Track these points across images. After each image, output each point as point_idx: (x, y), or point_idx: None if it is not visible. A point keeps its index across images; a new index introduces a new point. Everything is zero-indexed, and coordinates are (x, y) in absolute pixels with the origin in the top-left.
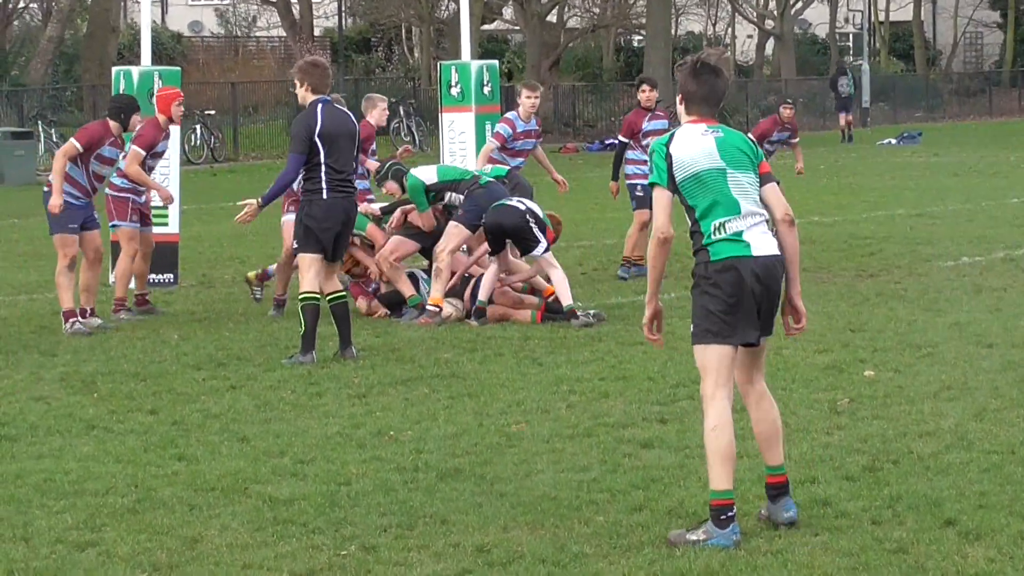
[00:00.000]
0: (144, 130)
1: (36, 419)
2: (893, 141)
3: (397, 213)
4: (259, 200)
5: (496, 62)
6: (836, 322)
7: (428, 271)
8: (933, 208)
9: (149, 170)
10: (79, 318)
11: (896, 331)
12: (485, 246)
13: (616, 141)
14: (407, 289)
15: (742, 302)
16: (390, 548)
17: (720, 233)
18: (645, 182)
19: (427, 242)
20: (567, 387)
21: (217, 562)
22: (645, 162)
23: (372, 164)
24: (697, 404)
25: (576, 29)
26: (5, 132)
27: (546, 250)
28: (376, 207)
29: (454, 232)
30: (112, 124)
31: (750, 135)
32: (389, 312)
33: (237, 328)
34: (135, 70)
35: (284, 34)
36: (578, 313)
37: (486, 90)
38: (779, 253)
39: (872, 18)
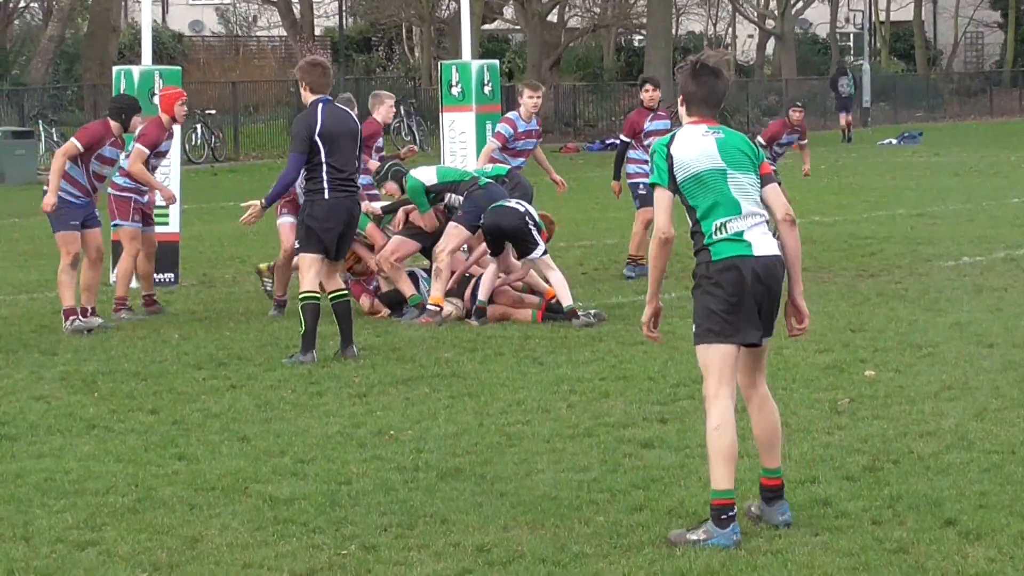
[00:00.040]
0: (148, 129)
1: (36, 418)
2: (894, 141)
3: (400, 213)
4: (262, 201)
5: (497, 62)
6: (837, 322)
7: (429, 271)
8: (934, 208)
9: (152, 169)
10: (79, 316)
11: (897, 331)
12: (485, 245)
13: (617, 141)
14: (408, 289)
15: (743, 301)
16: (390, 547)
17: (721, 233)
18: (646, 180)
19: (428, 242)
20: (568, 387)
21: (217, 561)
22: (647, 161)
23: (373, 164)
24: (698, 404)
25: (577, 29)
26: (6, 131)
27: (544, 252)
28: (377, 206)
29: (453, 233)
30: (113, 124)
31: (760, 138)
32: (390, 312)
33: (238, 328)
34: (136, 69)
35: (285, 33)
36: (579, 313)
37: (487, 90)
38: (779, 254)
39: (873, 18)
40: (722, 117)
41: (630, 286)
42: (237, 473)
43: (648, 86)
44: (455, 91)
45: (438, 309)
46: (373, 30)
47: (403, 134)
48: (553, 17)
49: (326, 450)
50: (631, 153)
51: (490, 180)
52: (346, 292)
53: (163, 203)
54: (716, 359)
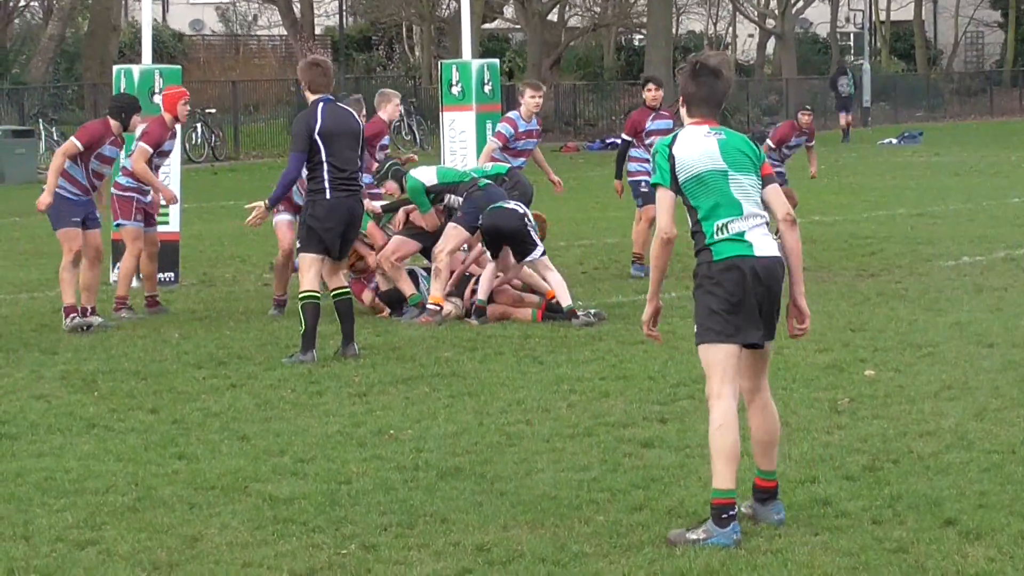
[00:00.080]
0: (151, 128)
1: (37, 417)
2: (894, 141)
3: (400, 214)
4: (266, 202)
5: (497, 61)
6: (837, 321)
7: (429, 270)
8: (934, 208)
9: (155, 169)
10: (79, 314)
11: (897, 331)
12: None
13: (617, 140)
14: (408, 288)
15: (744, 301)
16: (390, 547)
17: (723, 233)
18: (648, 178)
19: (428, 242)
20: (568, 386)
21: (217, 561)
22: (647, 160)
23: (373, 164)
24: (698, 403)
25: (577, 28)
26: (6, 130)
27: (542, 253)
28: (377, 205)
29: (453, 233)
30: (113, 123)
31: (769, 141)
32: (390, 310)
33: (238, 327)
34: (136, 68)
35: (285, 33)
36: (578, 313)
37: (487, 89)
38: (780, 255)
39: (873, 17)
40: (722, 117)
41: (630, 285)
42: (237, 472)
43: (651, 85)
44: (455, 90)
45: (438, 308)
46: (373, 29)
47: (403, 133)
48: (553, 16)
49: (326, 449)
50: (632, 152)
51: (489, 181)
52: (348, 290)
53: (164, 203)
54: (718, 359)
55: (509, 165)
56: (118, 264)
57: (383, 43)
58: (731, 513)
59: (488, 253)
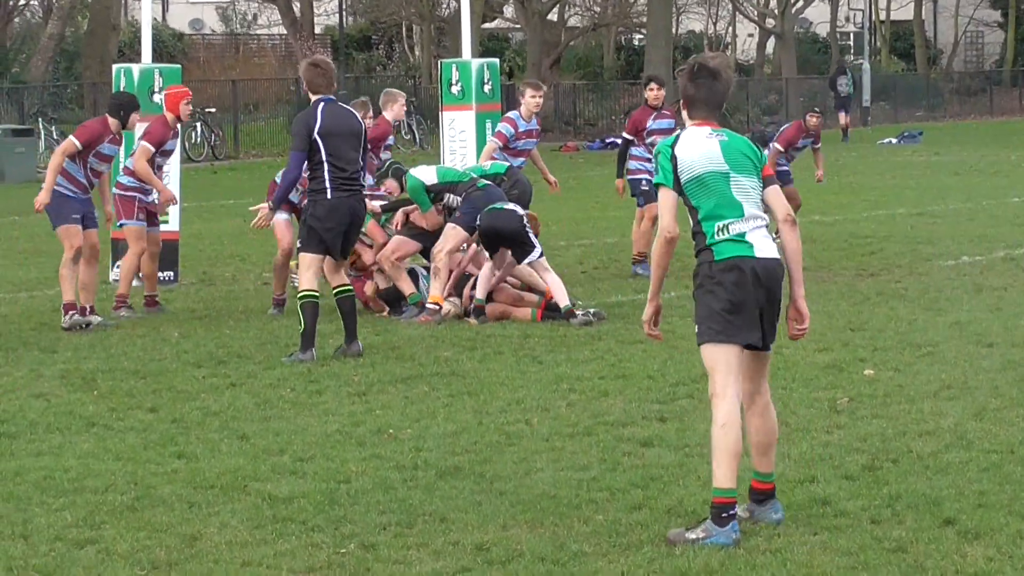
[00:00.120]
0: (153, 127)
1: (36, 416)
2: (894, 140)
3: (399, 214)
4: (270, 204)
5: (497, 60)
6: (836, 321)
7: (429, 269)
8: (934, 207)
9: (158, 168)
10: (78, 312)
11: (896, 330)
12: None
13: (617, 140)
14: (407, 287)
15: (745, 301)
16: (389, 546)
17: (723, 234)
18: (648, 177)
19: (428, 242)
20: (567, 385)
21: (216, 560)
22: (648, 159)
23: (373, 163)
24: (697, 403)
25: (577, 27)
26: (5, 129)
27: (541, 254)
28: (377, 204)
29: (452, 234)
30: (111, 121)
31: (777, 144)
32: (389, 309)
33: (237, 326)
34: (136, 68)
35: (285, 32)
36: (577, 312)
37: (486, 88)
38: (779, 257)
39: (873, 17)
40: (722, 117)
41: (630, 285)
42: (236, 471)
43: (653, 85)
44: (455, 90)
45: (437, 308)
46: (373, 28)
47: (403, 132)
48: (553, 16)
49: (325, 448)
50: (633, 150)
51: (488, 182)
52: (350, 288)
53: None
54: (721, 358)
55: (508, 164)
56: (118, 263)
57: (383, 42)
58: (731, 512)
59: (485, 252)
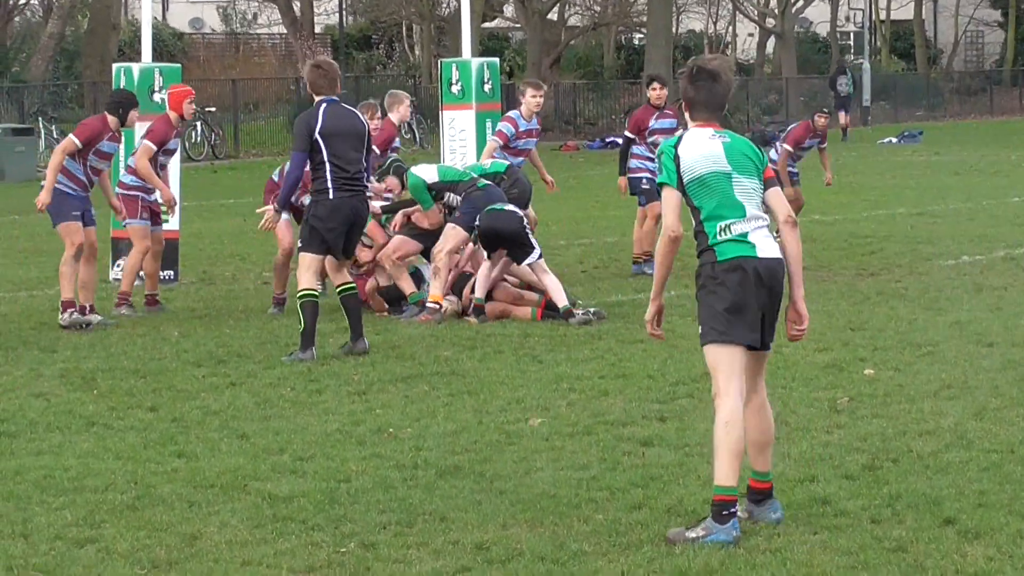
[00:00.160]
0: (156, 126)
1: (36, 415)
2: (894, 140)
3: (399, 216)
4: (275, 205)
5: (497, 60)
6: (836, 320)
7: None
8: (934, 207)
9: (161, 167)
10: (76, 309)
11: (896, 330)
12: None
13: (617, 139)
14: (408, 286)
15: (748, 302)
16: (389, 545)
17: (726, 234)
18: (650, 176)
19: (429, 243)
20: (567, 385)
21: (216, 559)
22: (650, 158)
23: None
24: (697, 402)
25: (577, 27)
26: (6, 128)
27: (539, 256)
28: (378, 205)
29: (451, 233)
30: (111, 119)
31: (786, 144)
32: (389, 308)
33: (237, 325)
34: (136, 67)
35: (285, 31)
36: (575, 311)
37: (487, 88)
38: (781, 256)
39: (873, 17)
40: (723, 117)
41: (630, 284)
42: (236, 471)
43: (655, 84)
44: (455, 89)
45: (438, 307)
46: (373, 28)
47: (403, 132)
48: (553, 15)
49: (325, 448)
50: (635, 149)
51: (488, 182)
52: (354, 285)
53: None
54: (724, 359)
55: (508, 163)
56: (118, 262)
57: (383, 42)
58: (732, 510)
59: (483, 252)
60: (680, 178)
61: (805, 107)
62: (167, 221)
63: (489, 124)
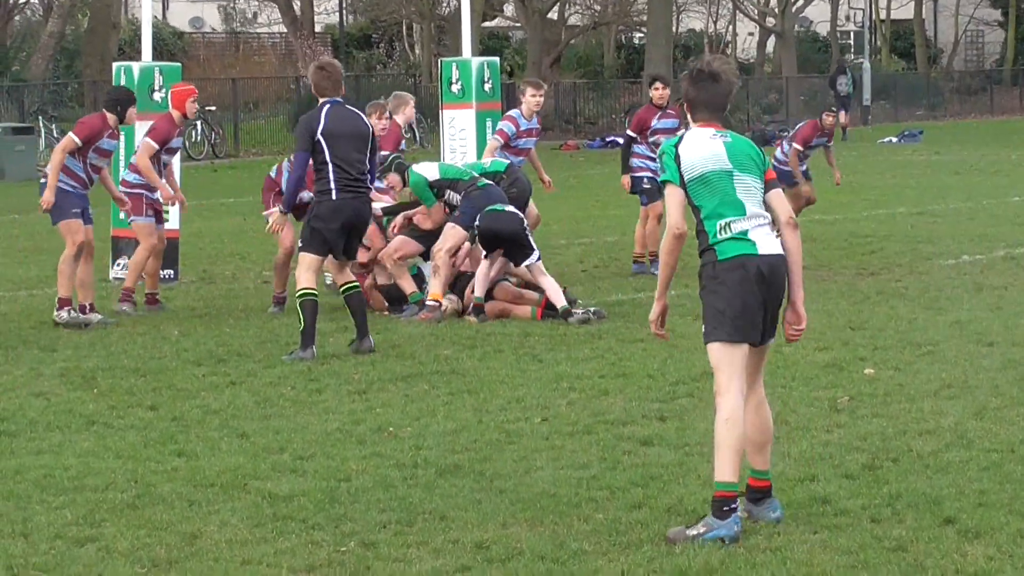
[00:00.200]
0: (158, 124)
1: (36, 415)
2: (894, 139)
3: (400, 218)
4: (280, 207)
5: (497, 59)
6: (836, 320)
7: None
8: (934, 206)
9: (164, 165)
10: (73, 307)
11: (896, 329)
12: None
13: (617, 139)
14: (409, 286)
15: (750, 300)
16: (389, 544)
17: (726, 233)
18: (651, 175)
19: (430, 244)
20: (567, 384)
21: (216, 558)
22: (651, 157)
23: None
24: (697, 401)
25: (577, 26)
26: (6, 127)
27: (538, 258)
28: (378, 207)
29: (451, 233)
30: (109, 117)
31: (796, 144)
32: (389, 307)
33: (237, 324)
34: (136, 66)
35: (285, 30)
36: (573, 310)
37: (487, 87)
38: (783, 253)
39: (873, 16)
40: (725, 118)
41: (630, 283)
42: (236, 470)
43: (658, 84)
44: (455, 88)
45: (437, 305)
46: (373, 27)
47: (404, 131)
48: (554, 14)
49: (325, 447)
50: (636, 148)
51: (489, 182)
52: (357, 284)
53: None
54: (726, 357)
55: (508, 162)
56: (118, 260)
57: (383, 41)
58: (733, 506)
59: (482, 251)
60: (681, 176)
61: (805, 106)
62: (166, 220)
63: (489, 123)
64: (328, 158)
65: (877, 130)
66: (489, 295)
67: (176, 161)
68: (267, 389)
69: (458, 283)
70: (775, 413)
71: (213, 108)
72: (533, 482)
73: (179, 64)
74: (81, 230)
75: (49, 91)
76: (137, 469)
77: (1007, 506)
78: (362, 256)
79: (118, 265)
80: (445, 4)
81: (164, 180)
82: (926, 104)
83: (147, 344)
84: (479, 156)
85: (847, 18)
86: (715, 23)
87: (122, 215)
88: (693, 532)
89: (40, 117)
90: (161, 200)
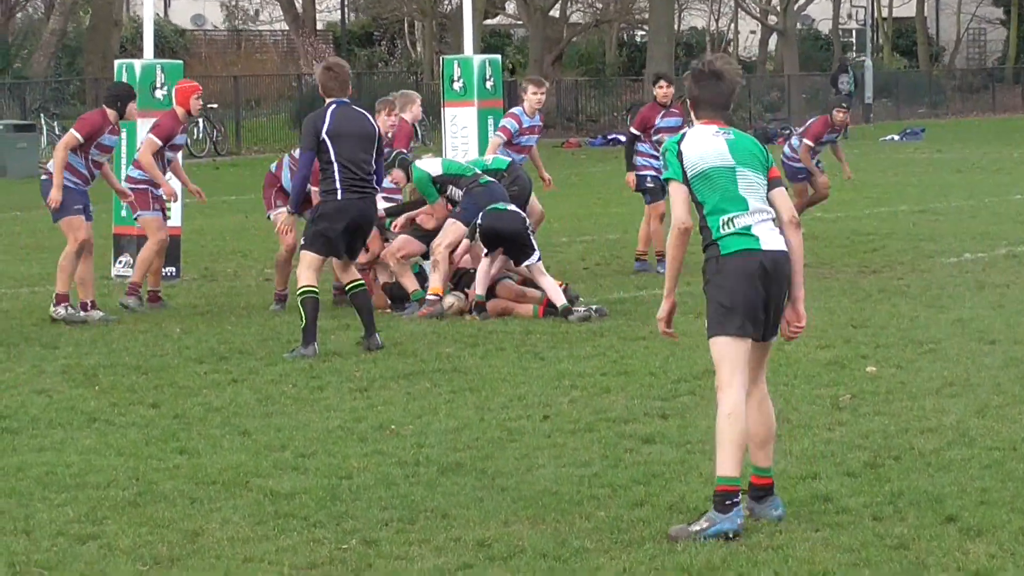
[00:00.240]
0: (162, 121)
1: (38, 412)
2: (896, 137)
3: (402, 219)
4: (288, 208)
5: (499, 57)
6: (838, 318)
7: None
8: (936, 204)
9: (168, 162)
10: (71, 304)
11: (898, 327)
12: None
13: (619, 137)
14: (411, 284)
15: (752, 295)
16: (391, 542)
17: (729, 228)
18: (655, 173)
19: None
20: (569, 382)
21: (218, 555)
22: (655, 156)
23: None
24: (699, 399)
25: (579, 24)
26: (8, 125)
27: (539, 258)
28: (380, 208)
29: (451, 228)
30: (109, 112)
31: (806, 139)
32: (391, 305)
33: (239, 322)
34: (137, 63)
35: (287, 28)
36: (574, 308)
37: (488, 85)
38: (787, 249)
39: (875, 14)
40: (728, 116)
41: (632, 281)
42: (238, 467)
43: (662, 82)
44: (457, 86)
45: (437, 298)
46: (375, 25)
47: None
48: (555, 12)
49: (327, 444)
50: (639, 146)
51: (491, 179)
52: (363, 283)
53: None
54: (729, 351)
55: (510, 160)
56: (120, 258)
57: (385, 39)
58: (735, 500)
59: (483, 248)
60: (684, 173)
61: (807, 104)
62: (168, 217)
63: (491, 121)
64: (333, 158)
65: (879, 128)
66: (492, 293)
67: (178, 158)
68: (269, 387)
69: (462, 281)
70: (776, 411)
71: (215, 105)
72: (535, 480)
73: (181, 61)
74: (83, 227)
75: (51, 88)
76: (139, 466)
77: (1009, 504)
78: (360, 258)
79: (120, 262)
80: (447, 1)
81: (172, 176)
82: (928, 102)
83: (149, 341)
84: (481, 153)
85: (849, 16)
86: (717, 21)
87: (124, 212)
88: (696, 528)
89: (42, 114)
90: (164, 196)
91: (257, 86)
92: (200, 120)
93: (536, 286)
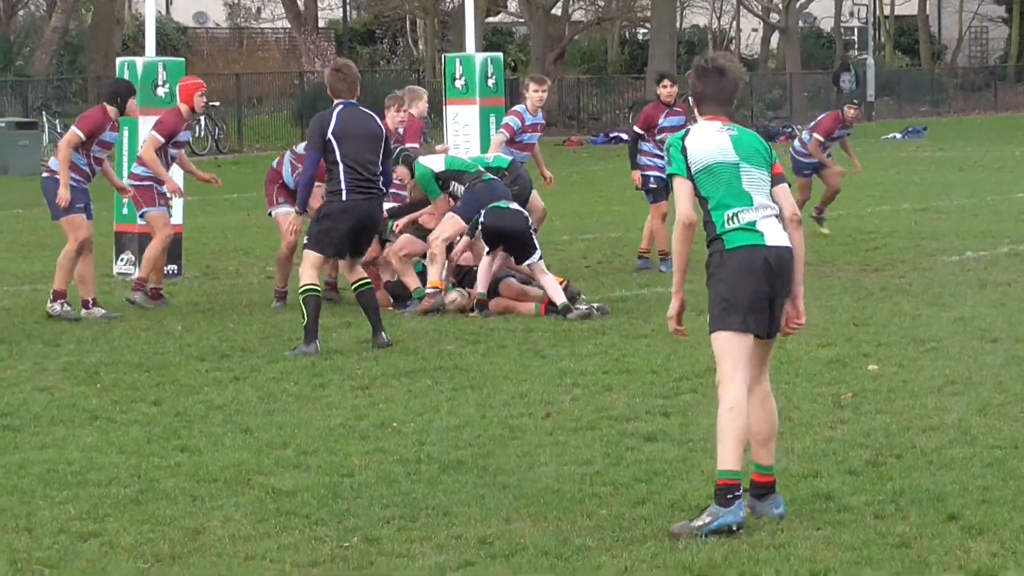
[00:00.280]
0: (166, 118)
1: (39, 409)
2: (898, 135)
3: (403, 220)
4: (296, 209)
5: (500, 55)
6: (840, 316)
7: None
8: (938, 203)
9: (172, 159)
10: (67, 302)
11: (900, 325)
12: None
13: (620, 134)
14: (413, 282)
15: (756, 290)
16: (393, 540)
17: (733, 223)
18: (659, 173)
19: None
20: (570, 380)
21: (219, 553)
22: (659, 155)
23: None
24: (700, 397)
25: (581, 22)
26: (9, 122)
27: (540, 258)
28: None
29: (450, 222)
30: (110, 109)
31: (817, 135)
32: (393, 303)
33: (240, 320)
34: (139, 61)
35: (289, 26)
36: (575, 306)
37: (490, 82)
38: (791, 245)
39: (877, 12)
40: (732, 113)
41: (634, 279)
42: (240, 465)
43: (666, 81)
44: (459, 84)
45: (437, 291)
46: (377, 22)
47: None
48: (557, 10)
49: (329, 442)
50: (643, 146)
51: (493, 176)
52: (369, 281)
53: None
54: (731, 345)
55: (511, 158)
56: (121, 256)
57: (387, 36)
58: (736, 493)
59: (484, 246)
60: (689, 169)
61: (809, 102)
62: (171, 215)
63: (493, 119)
64: (339, 158)
65: (881, 126)
66: (494, 291)
67: (182, 154)
68: (270, 384)
69: (466, 278)
70: (778, 409)
71: (217, 103)
72: (536, 478)
73: (183, 59)
74: (84, 225)
75: (53, 86)
76: (140, 464)
77: (1011, 502)
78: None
79: (121, 260)
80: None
81: (181, 172)
82: (930, 100)
83: (150, 339)
84: (483, 151)
85: (851, 14)
86: (719, 19)
87: (125, 210)
88: (699, 523)
89: (44, 112)
90: (167, 193)
91: (259, 84)
92: (202, 118)
93: (538, 284)
